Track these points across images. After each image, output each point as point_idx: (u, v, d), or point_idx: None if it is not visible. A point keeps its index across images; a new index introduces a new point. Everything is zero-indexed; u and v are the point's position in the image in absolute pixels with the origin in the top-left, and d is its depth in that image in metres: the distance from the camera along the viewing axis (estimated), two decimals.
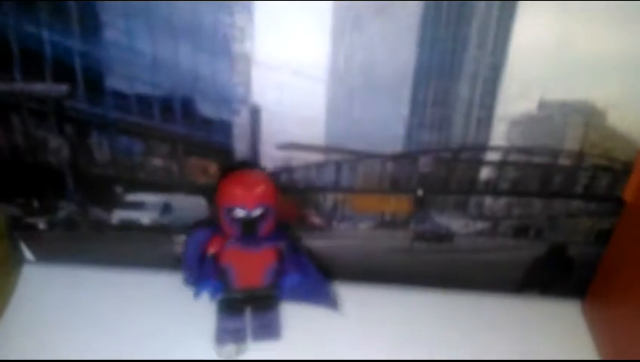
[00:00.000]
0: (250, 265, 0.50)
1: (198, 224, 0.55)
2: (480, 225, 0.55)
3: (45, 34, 0.45)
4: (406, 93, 0.47)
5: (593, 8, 0.43)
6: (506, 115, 0.48)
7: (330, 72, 0.47)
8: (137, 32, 0.45)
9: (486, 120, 0.48)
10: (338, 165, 0.52)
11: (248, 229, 0.48)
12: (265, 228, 0.48)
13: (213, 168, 0.52)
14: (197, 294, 0.50)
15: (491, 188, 0.52)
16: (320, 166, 0.52)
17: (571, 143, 0.49)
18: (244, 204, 0.47)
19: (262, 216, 0.47)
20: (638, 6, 0.43)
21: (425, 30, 0.45)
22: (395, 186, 0.53)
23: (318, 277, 0.54)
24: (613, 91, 0.47)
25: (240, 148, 0.51)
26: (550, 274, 0.57)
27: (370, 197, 0.54)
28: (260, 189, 0.47)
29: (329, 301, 0.54)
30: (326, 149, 0.51)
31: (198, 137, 0.50)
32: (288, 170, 0.52)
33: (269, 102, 0.48)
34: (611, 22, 0.44)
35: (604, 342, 0.55)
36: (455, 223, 0.55)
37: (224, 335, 0.51)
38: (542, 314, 0.58)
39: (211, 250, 0.50)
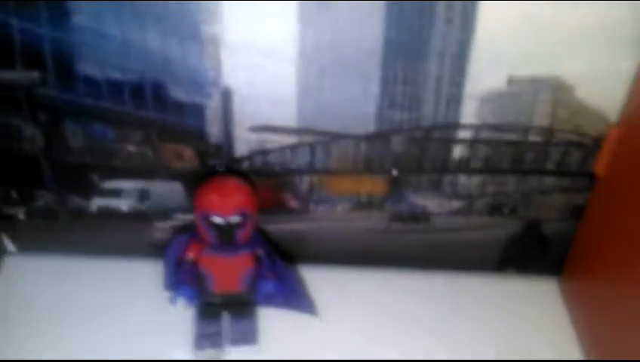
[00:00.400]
0: (228, 271, 0.50)
1: (178, 230, 0.55)
2: (455, 203, 0.55)
3: (14, 20, 0.45)
4: (375, 72, 0.48)
5: None
6: (476, 93, 0.48)
7: (299, 53, 0.47)
8: (106, 17, 0.45)
9: (456, 97, 0.49)
10: (312, 147, 0.52)
11: (226, 236, 0.48)
12: (243, 235, 0.48)
13: (187, 153, 0.52)
14: (172, 300, 0.50)
15: (464, 167, 0.53)
16: (294, 148, 0.52)
17: (541, 119, 0.49)
18: (221, 211, 0.47)
19: (239, 223, 0.48)
20: None
21: (391, 7, 0.45)
22: (370, 167, 0.53)
23: (295, 282, 0.54)
24: (582, 67, 0.47)
25: (213, 131, 0.51)
26: (526, 252, 0.58)
27: (345, 178, 0.54)
28: (237, 196, 0.48)
29: (307, 306, 0.54)
30: (298, 131, 0.51)
31: (171, 122, 0.50)
32: (263, 152, 0.52)
33: (241, 84, 0.48)
34: None
35: (580, 318, 0.55)
36: (430, 203, 0.55)
37: (202, 340, 0.52)
38: (519, 293, 0.58)
39: (189, 256, 0.50)
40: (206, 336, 0.52)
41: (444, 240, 0.57)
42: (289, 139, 0.51)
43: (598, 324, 0.52)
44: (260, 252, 0.50)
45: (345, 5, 0.45)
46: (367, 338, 0.53)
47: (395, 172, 0.53)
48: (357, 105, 0.49)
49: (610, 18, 0.45)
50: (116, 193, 0.55)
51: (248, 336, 0.52)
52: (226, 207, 0.47)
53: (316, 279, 0.57)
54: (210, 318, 0.52)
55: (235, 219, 0.47)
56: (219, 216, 0.47)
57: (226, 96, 0.49)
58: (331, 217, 0.56)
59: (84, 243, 0.59)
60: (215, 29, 0.46)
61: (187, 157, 0.53)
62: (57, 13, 0.45)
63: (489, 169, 0.53)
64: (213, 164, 0.53)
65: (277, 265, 0.51)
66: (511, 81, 0.47)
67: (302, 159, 0.53)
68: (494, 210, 0.55)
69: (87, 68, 0.47)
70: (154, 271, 0.56)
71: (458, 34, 0.46)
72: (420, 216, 0.56)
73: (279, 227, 0.56)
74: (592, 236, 0.54)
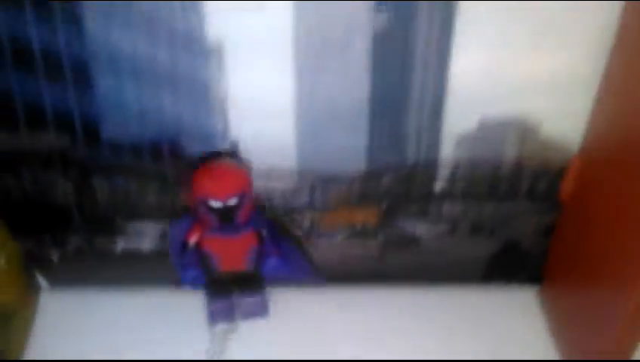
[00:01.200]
0: (231, 251, 0.52)
1: (180, 212, 0.57)
2: (441, 227, 0.62)
3: (45, 90, 0.51)
4: (364, 123, 0.54)
5: (516, 39, 0.50)
6: (452, 135, 0.55)
7: (296, 108, 0.53)
8: (125, 84, 0.51)
9: (435, 140, 0.55)
10: (312, 188, 0.58)
11: (226, 218, 0.49)
12: (242, 215, 0.49)
13: None
14: (181, 283, 0.53)
15: (447, 196, 0.59)
16: (295, 191, 0.58)
17: (511, 155, 0.56)
18: (218, 195, 0.48)
19: (238, 205, 0.49)
20: (555, 35, 0.50)
21: (375, 62, 0.51)
22: (363, 200, 0.59)
23: (298, 254, 0.57)
24: (545, 107, 0.53)
25: None
26: (507, 266, 0.64)
27: (341, 212, 0.60)
28: (232, 179, 0.49)
29: (311, 276, 0.56)
30: (299, 173, 0.57)
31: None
32: (269, 199, 0.58)
33: (246, 136, 0.54)
34: (533, 49, 0.50)
35: (555, 325, 0.61)
36: (419, 228, 0.62)
37: (214, 317, 0.54)
38: (502, 302, 0.64)
39: (192, 239, 0.52)
40: (218, 313, 0.54)
41: (433, 260, 0.63)
42: (290, 183, 0.58)
43: (571, 329, 0.58)
44: (262, 229, 0.52)
45: (337, 67, 0.51)
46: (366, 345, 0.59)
47: (384, 204, 0.60)
48: (349, 152, 0.56)
49: (568, 65, 0.51)
50: (139, 234, 0.61)
51: (259, 309, 0.54)
52: (223, 191, 0.48)
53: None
54: (221, 295, 0.54)
55: (232, 201, 0.48)
56: (216, 200, 0.48)
57: (233, 146, 0.55)
58: (331, 246, 0.62)
59: (111, 278, 0.64)
60: (221, 89, 0.52)
61: None
62: (82, 82, 0.51)
63: (469, 196, 0.59)
64: None
65: (279, 240, 0.53)
66: (482, 124, 0.54)
67: (303, 199, 0.59)
68: (475, 231, 0.61)
69: (111, 131, 0.54)
70: (178, 300, 0.60)
71: (433, 84, 0.52)
72: (410, 241, 0.62)
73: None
74: (562, 252, 0.60)
